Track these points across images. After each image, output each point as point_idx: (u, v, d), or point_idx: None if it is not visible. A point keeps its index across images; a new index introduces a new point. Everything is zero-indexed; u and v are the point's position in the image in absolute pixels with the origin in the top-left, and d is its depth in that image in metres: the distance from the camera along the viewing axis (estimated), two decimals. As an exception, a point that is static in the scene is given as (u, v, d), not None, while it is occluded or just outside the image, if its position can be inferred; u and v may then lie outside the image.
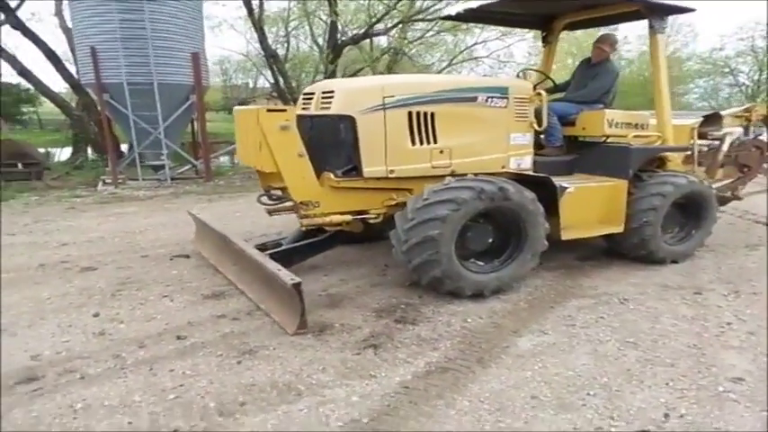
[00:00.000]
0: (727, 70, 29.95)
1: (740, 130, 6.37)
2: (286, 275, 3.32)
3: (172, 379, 2.80)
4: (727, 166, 6.23)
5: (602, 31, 6.02)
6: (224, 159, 14.93)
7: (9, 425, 2.40)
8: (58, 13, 13.97)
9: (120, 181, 9.93)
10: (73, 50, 12.73)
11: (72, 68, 12.99)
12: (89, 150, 13.49)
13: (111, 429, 2.38)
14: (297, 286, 3.20)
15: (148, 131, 9.97)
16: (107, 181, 10.01)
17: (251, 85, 33.00)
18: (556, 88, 5.36)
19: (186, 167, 11.36)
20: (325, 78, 13.25)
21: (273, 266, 3.50)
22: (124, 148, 12.93)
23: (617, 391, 2.75)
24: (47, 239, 5.80)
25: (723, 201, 6.19)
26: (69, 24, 11.65)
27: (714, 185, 5.83)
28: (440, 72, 16.26)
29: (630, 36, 29.03)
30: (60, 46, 16.18)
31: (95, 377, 2.82)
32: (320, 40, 14.45)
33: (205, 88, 11.12)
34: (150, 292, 4.13)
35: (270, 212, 4.60)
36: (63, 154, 14.78)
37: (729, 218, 7.02)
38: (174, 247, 5.41)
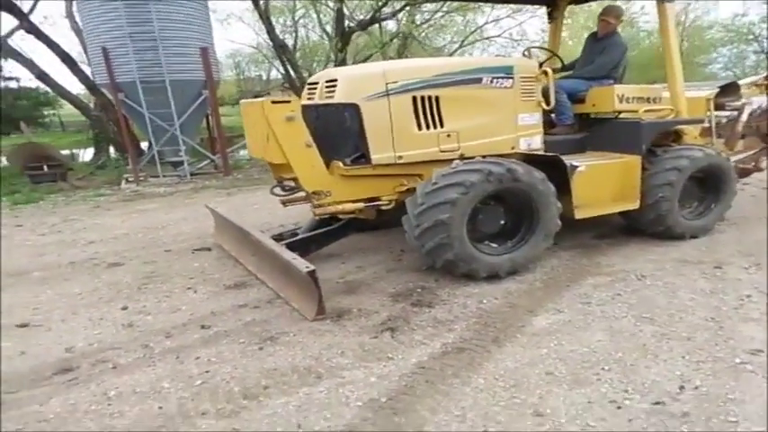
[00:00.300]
0: (751, 37, 28.95)
1: (764, 99, 6.21)
2: (301, 263, 3.40)
3: (198, 366, 2.93)
4: (749, 137, 6.08)
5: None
6: (243, 153, 15.12)
7: (50, 412, 2.55)
8: (69, 15, 14.18)
9: (141, 179, 10.17)
10: (86, 51, 12.98)
11: (87, 69, 13.25)
12: (111, 150, 13.78)
13: (143, 414, 2.51)
14: (312, 273, 3.28)
15: (165, 128, 10.15)
16: (129, 179, 10.25)
17: (264, 77, 33.16)
18: (564, 67, 5.30)
19: (205, 162, 11.56)
20: (336, 66, 13.28)
21: (289, 255, 3.60)
22: (144, 145, 13.20)
23: (632, 366, 2.78)
24: (75, 238, 6.01)
25: (745, 173, 6.07)
26: (80, 25, 11.85)
27: (734, 157, 5.73)
28: (452, 54, 16.11)
29: (648, 6, 28.18)
30: (74, 48, 16.45)
31: (126, 366, 2.96)
32: (328, 28, 14.41)
33: (217, 83, 11.23)
34: (174, 284, 4.27)
35: (284, 203, 4.70)
36: (86, 155, 15.15)
37: (753, 189, 6.90)
38: (196, 240, 5.56)
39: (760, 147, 6.17)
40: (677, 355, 2.87)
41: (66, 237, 6.09)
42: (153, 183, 10.06)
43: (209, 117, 11.95)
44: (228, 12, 22.23)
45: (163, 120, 10.02)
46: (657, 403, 2.46)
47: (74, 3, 13.55)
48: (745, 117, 5.69)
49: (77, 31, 13.99)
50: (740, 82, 6.03)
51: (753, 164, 6.13)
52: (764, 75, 6.31)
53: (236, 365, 2.91)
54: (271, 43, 13.73)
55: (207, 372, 2.86)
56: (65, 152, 13.73)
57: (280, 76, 22.80)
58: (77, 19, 12.89)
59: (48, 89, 15.80)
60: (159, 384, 2.75)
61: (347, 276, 4.29)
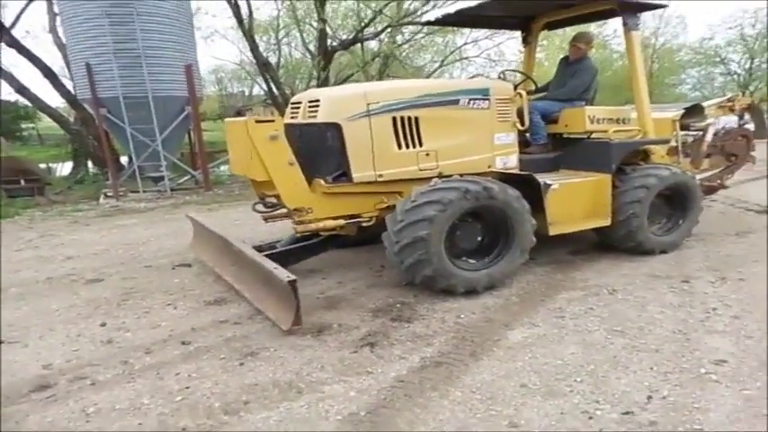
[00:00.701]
0: (718, 59, 30.12)
1: (734, 119, 6.51)
2: (282, 273, 3.44)
3: (178, 382, 2.94)
4: (714, 156, 6.35)
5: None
6: (223, 168, 15.09)
7: (27, 430, 2.54)
8: (52, 30, 14.14)
9: (121, 194, 10.09)
10: (68, 66, 12.90)
11: (68, 84, 13.17)
12: (89, 164, 13.64)
13: (123, 430, 2.52)
14: (292, 283, 3.31)
15: (146, 144, 10.13)
16: (108, 194, 10.16)
17: (246, 94, 33.22)
18: (537, 89, 5.51)
19: (186, 178, 11.52)
20: (318, 84, 13.43)
21: (270, 265, 3.63)
22: (123, 160, 13.10)
23: (603, 377, 2.88)
24: (52, 253, 5.95)
25: (710, 190, 6.33)
26: (64, 40, 11.81)
27: (700, 176, 5.98)
28: (432, 73, 16.41)
29: (621, 30, 29.13)
30: (56, 62, 16.34)
31: (105, 383, 2.96)
32: (311, 47, 14.60)
33: (199, 99, 11.27)
34: (154, 300, 4.27)
35: (265, 219, 4.76)
36: (64, 169, 14.95)
37: (721, 206, 7.16)
38: (176, 256, 5.56)
39: (724, 165, 6.45)
40: (646, 367, 2.97)
41: (44, 252, 6.03)
42: (132, 198, 10.00)
43: (191, 132, 11.96)
44: (212, 29, 22.33)
45: (145, 135, 10.01)
46: (627, 413, 2.55)
47: (57, 18, 13.53)
48: (709, 137, 5.96)
49: (60, 46, 13.96)
50: (704, 104, 6.31)
51: (718, 181, 6.41)
52: (728, 97, 6.62)
53: (217, 381, 2.93)
54: (254, 61, 13.83)
55: (187, 387, 2.87)
56: (41, 166, 13.53)
57: (262, 93, 22.89)
58: (60, 34, 12.85)
59: (27, 103, 15.62)
60: (139, 401, 2.76)
61: (327, 292, 4.34)
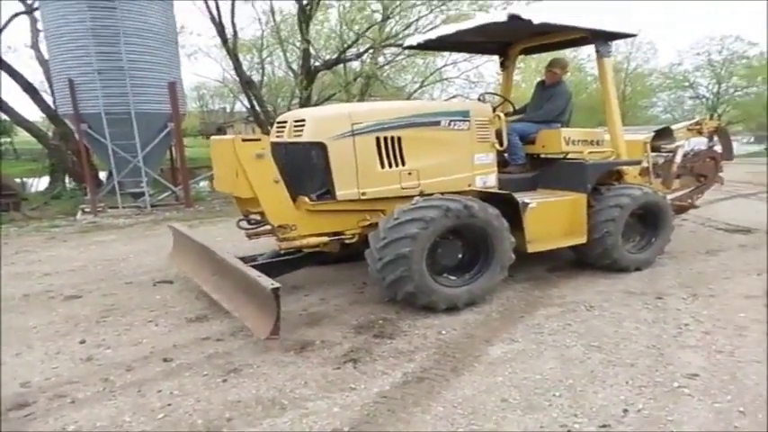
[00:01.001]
0: (687, 84, 31.24)
1: (703, 141, 6.79)
2: (266, 281, 3.44)
3: (160, 399, 2.93)
4: (684, 177, 6.61)
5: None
6: (203, 185, 15.01)
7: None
8: (34, 46, 14.05)
9: (99, 210, 9.97)
10: (49, 81, 12.79)
11: (48, 98, 13.05)
12: (67, 180, 13.45)
13: (103, 449, 2.51)
14: (275, 291, 3.30)
15: (127, 160, 10.07)
16: (86, 210, 10.03)
17: (228, 110, 33.23)
18: (515, 111, 5.69)
19: (166, 194, 11.44)
20: (301, 103, 13.53)
21: (254, 273, 3.63)
22: (102, 176, 12.96)
23: (581, 391, 2.95)
24: (29, 270, 5.85)
25: (681, 209, 6.55)
26: (45, 56, 11.75)
27: (672, 195, 6.20)
28: (412, 93, 16.68)
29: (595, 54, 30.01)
30: (36, 76, 16.16)
31: (85, 401, 2.93)
32: (294, 66, 14.74)
33: (183, 116, 11.27)
34: (135, 317, 4.24)
35: (249, 236, 4.77)
36: (40, 184, 14.69)
37: (691, 225, 7.39)
38: (157, 273, 5.51)
39: (694, 185, 6.70)
40: (622, 381, 3.06)
41: (20, 268, 5.92)
42: (111, 214, 9.88)
43: (173, 149, 11.91)
44: (196, 47, 22.42)
45: (126, 151, 9.96)
46: (604, 426, 2.62)
47: (40, 34, 13.47)
48: (678, 158, 6.20)
49: (41, 61, 13.86)
50: (674, 127, 6.57)
51: (688, 201, 6.65)
52: (696, 120, 6.90)
53: (200, 398, 2.93)
54: (237, 79, 13.90)
55: (169, 405, 2.86)
56: (17, 180, 13.28)
57: (243, 110, 22.91)
58: (43, 49, 12.80)
59: (4, 117, 15.38)
60: (120, 418, 2.74)
61: (310, 308, 4.36)
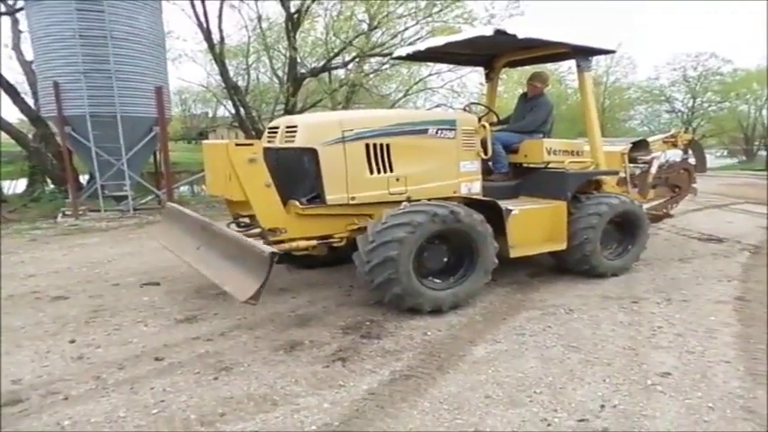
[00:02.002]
0: (663, 98, 32.15)
1: (678, 153, 7.07)
2: (262, 245, 3.51)
3: (153, 396, 2.98)
4: (660, 187, 6.87)
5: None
6: (184, 189, 14.94)
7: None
8: (16, 47, 13.88)
9: (80, 212, 9.87)
10: (30, 83, 12.65)
11: (29, 100, 12.89)
12: (47, 182, 13.26)
13: (99, 442, 2.55)
14: (272, 255, 3.32)
15: (110, 163, 10.00)
16: (67, 213, 9.92)
17: (210, 115, 33.00)
18: (499, 121, 5.88)
19: (149, 198, 11.37)
20: (285, 109, 13.61)
21: (250, 241, 3.70)
22: (83, 179, 12.82)
23: (560, 388, 3.09)
24: (12, 271, 5.80)
25: (656, 218, 6.81)
26: (28, 58, 11.62)
27: (648, 205, 6.44)
28: (397, 102, 16.89)
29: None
30: (15, 77, 15.90)
31: (78, 397, 2.97)
32: (280, 73, 14.82)
33: (168, 120, 11.26)
34: (124, 318, 4.26)
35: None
36: (17, 186, 14.44)
37: (666, 234, 7.63)
38: (144, 275, 5.53)
39: (669, 196, 6.97)
40: (599, 379, 3.20)
41: (3, 270, 5.85)
42: (93, 217, 9.79)
43: (157, 152, 11.86)
44: (181, 52, 22.29)
45: (110, 154, 9.89)
46: (582, 420, 2.76)
47: (21, 36, 13.34)
48: (654, 169, 6.45)
49: (23, 63, 13.69)
50: (650, 139, 6.84)
51: (663, 210, 6.92)
52: (671, 133, 7.19)
53: (192, 395, 2.99)
54: (223, 84, 13.92)
55: (162, 401, 2.92)
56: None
57: (226, 115, 22.85)
58: (24, 50, 12.67)
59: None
60: (115, 414, 2.79)
61: (298, 310, 4.44)
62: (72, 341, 3.78)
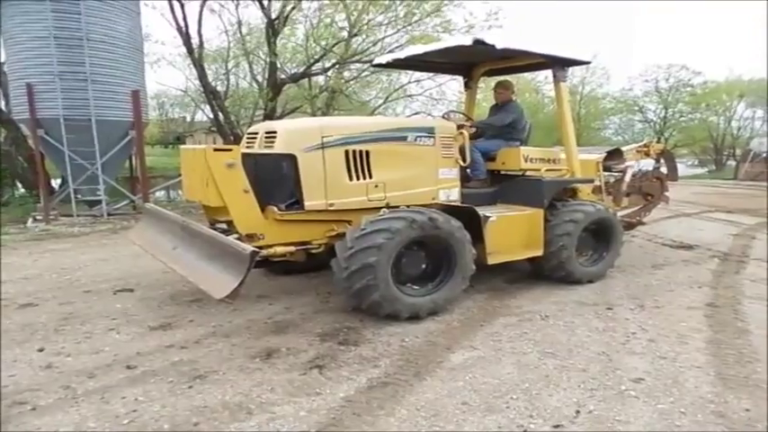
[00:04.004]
0: (636, 108, 32.92)
1: (651, 162, 7.23)
2: (243, 245, 3.50)
3: (124, 405, 2.91)
4: (633, 195, 7.01)
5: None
6: (160, 194, 14.71)
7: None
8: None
9: (52, 217, 9.63)
10: (2, 84, 12.34)
11: (-1, 102, 12.56)
12: (17, 186, 12.91)
13: (67, 454, 2.48)
14: (253, 254, 3.33)
15: (84, 167, 9.80)
16: (38, 217, 9.67)
17: (188, 120, 32.66)
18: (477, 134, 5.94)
19: (123, 203, 11.16)
20: (265, 114, 13.53)
21: (229, 240, 3.70)
22: (55, 183, 12.52)
23: (536, 394, 3.11)
24: (-22, 278, 5.62)
25: (630, 226, 6.94)
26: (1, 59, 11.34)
27: (622, 212, 6.57)
28: (376, 108, 16.95)
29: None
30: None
31: (47, 407, 2.88)
32: (260, 78, 14.73)
33: (145, 124, 11.09)
34: (95, 325, 4.16)
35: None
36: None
37: (640, 241, 7.79)
38: (117, 281, 5.41)
39: (642, 203, 7.12)
40: (574, 384, 3.24)
41: (-32, 277, 5.69)
42: (64, 222, 9.56)
43: (133, 157, 11.66)
44: (159, 55, 21.98)
45: (84, 158, 9.69)
46: (557, 426, 2.78)
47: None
48: (628, 178, 6.59)
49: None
50: (623, 148, 6.99)
51: (636, 218, 7.06)
52: (644, 142, 7.35)
53: (165, 404, 2.93)
54: (201, 88, 13.77)
55: (134, 411, 2.85)
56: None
57: (204, 119, 22.61)
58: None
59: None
60: (85, 424, 2.72)
61: (275, 317, 4.39)
62: (40, 349, 3.68)
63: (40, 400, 2.96)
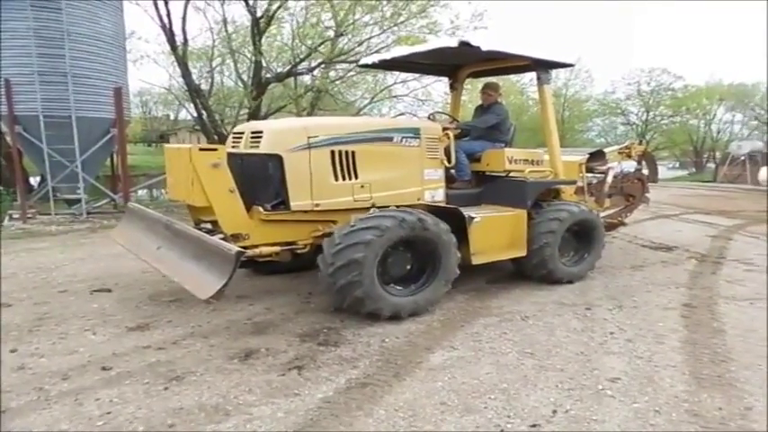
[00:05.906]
0: (619, 111, 33.40)
1: (632, 164, 7.32)
2: (228, 245, 3.49)
3: (99, 407, 2.87)
4: (615, 196, 7.09)
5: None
6: (142, 193, 14.54)
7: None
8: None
9: (29, 216, 9.46)
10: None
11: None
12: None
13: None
14: (238, 255, 3.32)
15: (63, 165, 9.64)
16: (15, 216, 9.49)
17: (172, 118, 32.31)
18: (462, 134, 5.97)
19: (103, 201, 11.00)
20: (249, 114, 13.42)
21: (214, 240, 3.69)
22: (33, 180, 12.31)
23: (514, 394, 3.13)
24: (-49, 278, 5.50)
25: (612, 227, 7.02)
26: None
27: (604, 213, 6.64)
28: (362, 109, 16.92)
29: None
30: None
31: (18, 410, 2.83)
32: (245, 77, 14.61)
33: (127, 122, 10.95)
34: (71, 326, 4.09)
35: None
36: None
37: (620, 242, 7.88)
38: (95, 281, 5.33)
39: (623, 204, 7.21)
40: (552, 384, 3.26)
41: (-59, 277, 5.56)
42: (43, 220, 9.40)
43: (114, 155, 11.50)
44: (142, 53, 21.63)
45: (63, 156, 9.55)
46: (534, 426, 2.79)
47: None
48: (610, 179, 6.66)
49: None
50: (606, 150, 7.07)
51: (618, 219, 7.14)
52: (625, 144, 7.44)
53: (140, 406, 2.89)
54: (185, 86, 13.60)
55: (109, 413, 2.81)
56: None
57: (188, 117, 22.33)
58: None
59: None
60: (57, 426, 2.67)
61: (255, 317, 4.36)
62: (13, 350, 3.61)
63: (12, 402, 2.90)
